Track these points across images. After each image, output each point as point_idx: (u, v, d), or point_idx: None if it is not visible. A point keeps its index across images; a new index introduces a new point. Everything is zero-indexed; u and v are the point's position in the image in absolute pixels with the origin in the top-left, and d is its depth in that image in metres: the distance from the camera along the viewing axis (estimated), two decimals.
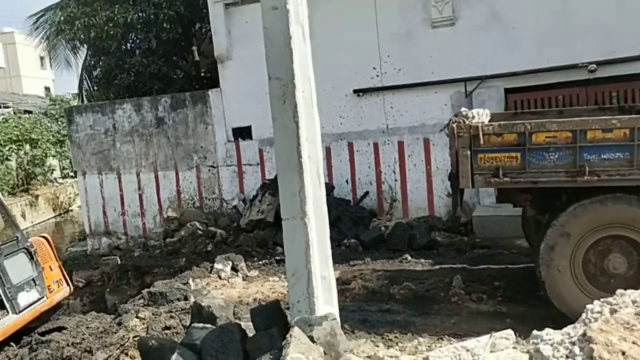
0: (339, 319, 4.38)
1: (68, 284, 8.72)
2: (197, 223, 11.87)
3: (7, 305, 7.07)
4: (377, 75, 11.10)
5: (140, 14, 13.87)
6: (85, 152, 13.83)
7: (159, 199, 13.40)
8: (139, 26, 14.30)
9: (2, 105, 33.20)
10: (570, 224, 5.89)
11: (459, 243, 9.34)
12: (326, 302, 4.48)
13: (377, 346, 5.13)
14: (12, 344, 6.87)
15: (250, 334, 4.58)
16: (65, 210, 28.92)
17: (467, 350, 3.75)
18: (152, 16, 13.93)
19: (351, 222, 10.35)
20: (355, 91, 11.20)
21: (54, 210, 28.22)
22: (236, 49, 12.10)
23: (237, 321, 5.13)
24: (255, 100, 11.57)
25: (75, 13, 14.26)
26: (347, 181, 11.57)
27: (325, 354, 3.83)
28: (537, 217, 6.55)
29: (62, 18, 15.08)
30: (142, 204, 13.56)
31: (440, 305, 6.41)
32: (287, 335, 3.53)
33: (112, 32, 13.73)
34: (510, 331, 4.09)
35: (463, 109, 6.94)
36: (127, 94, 14.52)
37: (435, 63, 10.64)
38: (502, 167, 5.98)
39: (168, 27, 14.11)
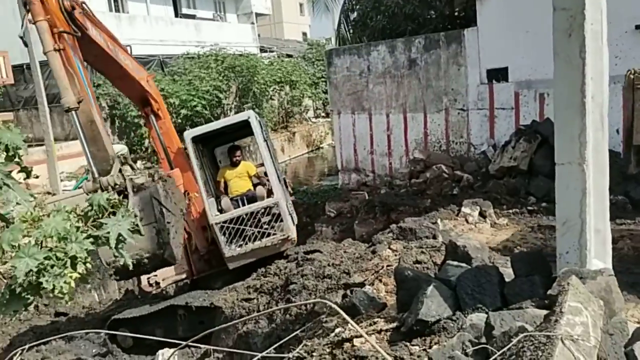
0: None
1: None
2: (443, 166, 11.88)
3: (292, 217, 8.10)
4: None
5: None
6: (341, 93, 14.73)
7: (406, 140, 13.71)
8: None
9: (267, 50, 37.13)
10: None
11: None
12: (598, 256, 4.11)
13: None
14: (280, 260, 7.86)
15: (507, 280, 4.48)
16: (316, 147, 31.60)
17: None
18: None
19: (620, 177, 9.23)
20: (637, 27, 9.72)
21: (307, 146, 31.07)
22: None
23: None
24: (515, 40, 10.86)
25: None
26: (617, 131, 10.29)
27: None
28: None
29: None
30: (390, 144, 14.04)
31: None
32: (563, 283, 3.33)
33: None
34: None
35: None
36: (381, 36, 14.89)
37: None
38: None
39: None
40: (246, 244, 7.74)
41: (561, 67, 3.92)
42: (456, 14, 15.32)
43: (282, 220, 7.85)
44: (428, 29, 14.18)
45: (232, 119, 9.16)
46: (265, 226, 7.80)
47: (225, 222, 7.70)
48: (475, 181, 10.73)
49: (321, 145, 31.82)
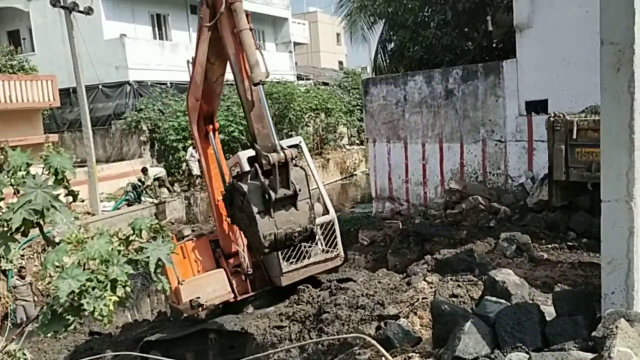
0: None
1: None
2: (479, 197, 11.73)
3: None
4: None
5: None
6: (377, 121, 14.76)
7: (441, 170, 13.60)
8: None
9: (304, 78, 37.64)
10: None
11: None
12: None
13: None
14: (310, 286, 7.79)
15: (548, 318, 4.34)
16: (350, 174, 31.63)
17: None
18: None
19: None
20: None
21: (340, 173, 31.13)
22: (538, 16, 11.35)
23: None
24: (555, 72, 10.76)
25: None
26: None
27: None
28: None
29: None
30: (425, 174, 13.94)
31: None
32: (609, 325, 3.22)
33: (410, 6, 14.22)
34: None
35: None
36: (418, 66, 14.94)
37: None
38: (597, 162, 5.63)
39: None
40: (301, 259, 7.78)
41: (608, 102, 3.85)
42: (494, 45, 15.30)
43: (335, 238, 8.00)
44: (466, 60, 14.17)
45: (284, 142, 9.31)
46: (320, 243, 7.96)
47: None
48: (512, 214, 10.54)
49: (355, 173, 31.84)
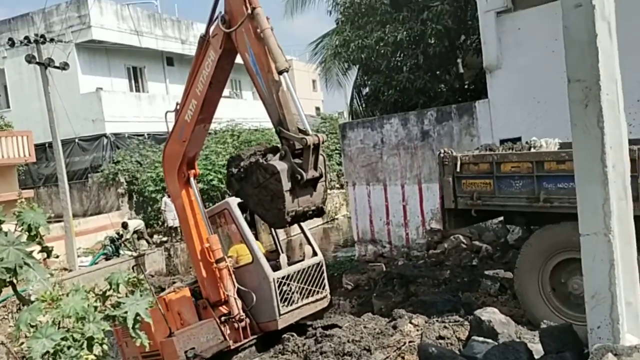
0: None
1: None
2: (460, 236, 11.76)
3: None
4: None
5: (409, 31, 14.38)
6: (355, 165, 14.85)
7: (422, 210, 13.65)
8: (407, 43, 14.83)
9: None
10: (535, 246, 6.85)
11: None
12: (631, 331, 3.95)
13: None
14: (294, 335, 7.61)
15: (536, 356, 4.30)
16: (331, 218, 31.53)
17: None
18: (420, 32, 14.34)
19: None
20: None
21: (322, 217, 31.04)
22: (506, 58, 11.69)
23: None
24: (526, 110, 11.01)
25: (349, 36, 15.49)
26: None
27: None
28: None
29: (337, 42, 16.54)
30: (406, 215, 13.97)
31: None
32: None
33: (382, 51, 14.53)
34: None
35: (533, 138, 7.93)
36: (393, 109, 15.18)
37: None
38: (478, 192, 7.14)
39: (434, 41, 14.37)
40: (295, 301, 7.70)
41: (580, 137, 3.93)
42: (466, 86, 15.67)
43: (323, 280, 8.04)
44: (439, 102, 14.44)
45: None
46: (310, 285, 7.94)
47: (283, 278, 7.66)
48: (494, 251, 10.57)
49: (336, 217, 31.76)
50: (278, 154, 5.80)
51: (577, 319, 5.88)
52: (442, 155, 7.62)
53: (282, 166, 5.60)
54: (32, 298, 3.69)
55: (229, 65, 6.78)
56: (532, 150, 7.50)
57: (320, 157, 5.73)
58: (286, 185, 5.56)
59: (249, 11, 5.88)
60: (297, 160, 5.64)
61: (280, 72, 5.75)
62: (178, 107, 7.38)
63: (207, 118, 7.28)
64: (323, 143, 5.67)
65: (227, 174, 6.34)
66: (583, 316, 4.12)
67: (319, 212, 5.96)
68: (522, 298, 7.13)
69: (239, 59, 6.53)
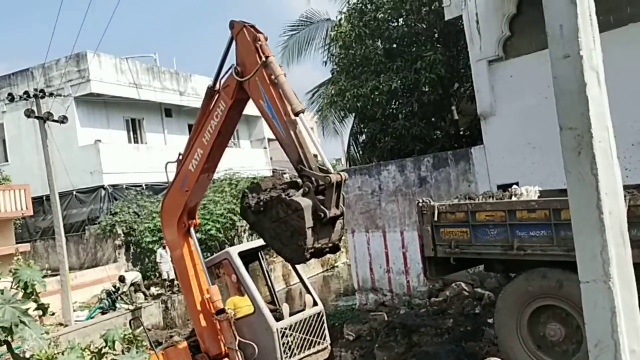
0: None
1: None
2: (462, 284, 11.63)
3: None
4: None
5: (403, 80, 14.67)
6: (354, 212, 14.85)
7: (422, 257, 13.53)
8: (402, 92, 15.11)
9: (280, 172, 38.12)
10: (511, 294, 7.04)
11: None
12: None
13: None
14: None
15: None
16: (331, 266, 31.26)
17: None
18: (414, 81, 14.62)
19: None
20: None
21: (322, 266, 30.74)
22: (500, 105, 11.89)
23: None
24: (522, 156, 11.10)
25: (345, 86, 15.79)
26: None
27: None
28: None
29: (333, 92, 16.85)
30: (407, 262, 13.87)
31: None
32: None
33: (377, 100, 14.77)
34: None
35: (514, 186, 8.20)
36: (390, 156, 15.31)
37: None
38: (456, 240, 7.27)
39: (429, 90, 14.64)
40: (297, 353, 7.61)
41: (574, 184, 3.95)
42: (462, 133, 15.87)
43: (324, 330, 7.97)
44: (435, 149, 14.60)
45: (256, 243, 9.37)
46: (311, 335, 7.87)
47: (286, 328, 7.57)
48: (497, 299, 10.41)
49: (336, 265, 31.51)
50: (301, 191, 5.77)
51: None
52: (420, 205, 7.81)
53: (306, 203, 5.59)
54: (27, 355, 3.62)
55: (238, 115, 6.98)
56: (514, 198, 7.61)
57: (342, 196, 5.79)
58: (309, 222, 5.56)
59: (263, 59, 6.06)
60: (320, 197, 5.65)
61: (296, 114, 5.91)
62: (181, 157, 7.39)
63: (212, 167, 7.32)
64: (345, 181, 5.74)
65: (242, 204, 6.29)
66: None
67: (336, 249, 6.04)
68: (501, 343, 7.17)
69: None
